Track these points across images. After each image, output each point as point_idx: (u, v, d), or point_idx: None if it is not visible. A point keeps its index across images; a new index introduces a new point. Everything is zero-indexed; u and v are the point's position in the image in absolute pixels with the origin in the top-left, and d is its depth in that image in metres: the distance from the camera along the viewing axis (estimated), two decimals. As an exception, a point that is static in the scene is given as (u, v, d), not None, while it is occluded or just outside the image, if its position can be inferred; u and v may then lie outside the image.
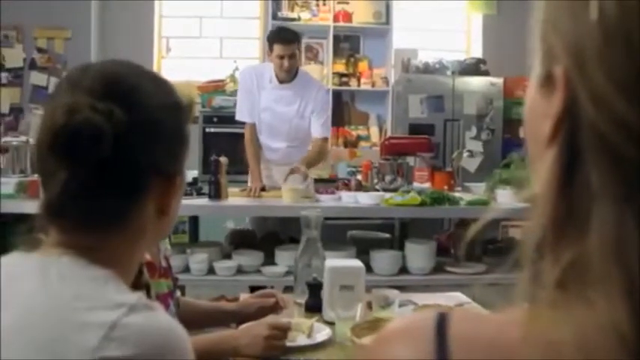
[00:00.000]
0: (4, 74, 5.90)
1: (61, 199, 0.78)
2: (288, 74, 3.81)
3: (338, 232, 3.70)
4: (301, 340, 1.72)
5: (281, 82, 3.85)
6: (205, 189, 3.50)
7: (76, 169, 0.77)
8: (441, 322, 0.48)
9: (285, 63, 3.72)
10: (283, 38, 3.75)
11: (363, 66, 6.29)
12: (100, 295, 0.73)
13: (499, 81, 5.70)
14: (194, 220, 4.14)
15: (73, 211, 0.80)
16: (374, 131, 6.31)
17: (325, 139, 4.08)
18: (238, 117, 4.02)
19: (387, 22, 6.20)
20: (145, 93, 0.84)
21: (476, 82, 5.75)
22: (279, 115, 3.91)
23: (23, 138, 3.37)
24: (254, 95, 3.92)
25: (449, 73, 5.85)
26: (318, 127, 3.96)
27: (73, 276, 0.76)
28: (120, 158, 0.79)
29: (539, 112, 0.47)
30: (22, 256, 0.81)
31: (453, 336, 0.47)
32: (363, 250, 3.33)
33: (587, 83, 0.42)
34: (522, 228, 0.47)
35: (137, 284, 1.33)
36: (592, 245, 0.42)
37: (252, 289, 3.49)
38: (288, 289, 2.95)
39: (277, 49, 3.72)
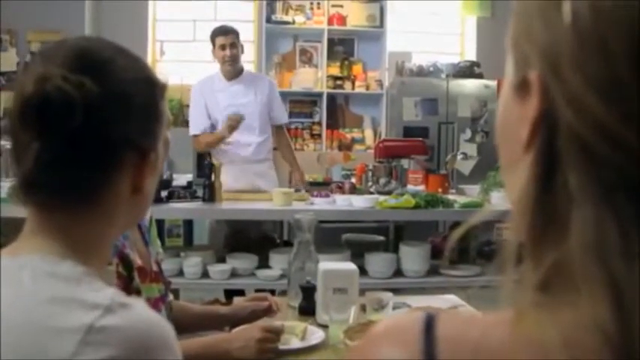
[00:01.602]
0: (-3, 78, 5.89)
1: (34, 173, 0.78)
2: (232, 65, 4.02)
3: (333, 236, 3.70)
4: (294, 343, 1.72)
5: (229, 79, 4.06)
6: (199, 192, 3.49)
7: (47, 139, 0.77)
8: (429, 323, 0.48)
9: (227, 52, 3.96)
10: (222, 30, 4.04)
11: (357, 69, 6.30)
12: (74, 297, 0.72)
13: (493, 83, 5.70)
14: (188, 224, 4.13)
15: (47, 185, 0.79)
16: (368, 134, 6.31)
17: (284, 125, 4.40)
18: (192, 131, 4.09)
19: (381, 25, 6.21)
20: (118, 67, 0.84)
21: (470, 85, 5.76)
22: (244, 108, 3.99)
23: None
24: (209, 101, 4.05)
25: (443, 75, 5.85)
26: (280, 113, 4.26)
27: (46, 277, 0.75)
28: (92, 130, 0.78)
29: (514, 118, 0.48)
30: None
31: (440, 337, 0.47)
32: (357, 253, 3.32)
33: (563, 87, 0.42)
34: (506, 232, 0.48)
35: (128, 290, 1.33)
36: (573, 248, 0.42)
37: (227, 292, 3.50)
38: (279, 292, 2.95)
39: (218, 40, 3.98)
